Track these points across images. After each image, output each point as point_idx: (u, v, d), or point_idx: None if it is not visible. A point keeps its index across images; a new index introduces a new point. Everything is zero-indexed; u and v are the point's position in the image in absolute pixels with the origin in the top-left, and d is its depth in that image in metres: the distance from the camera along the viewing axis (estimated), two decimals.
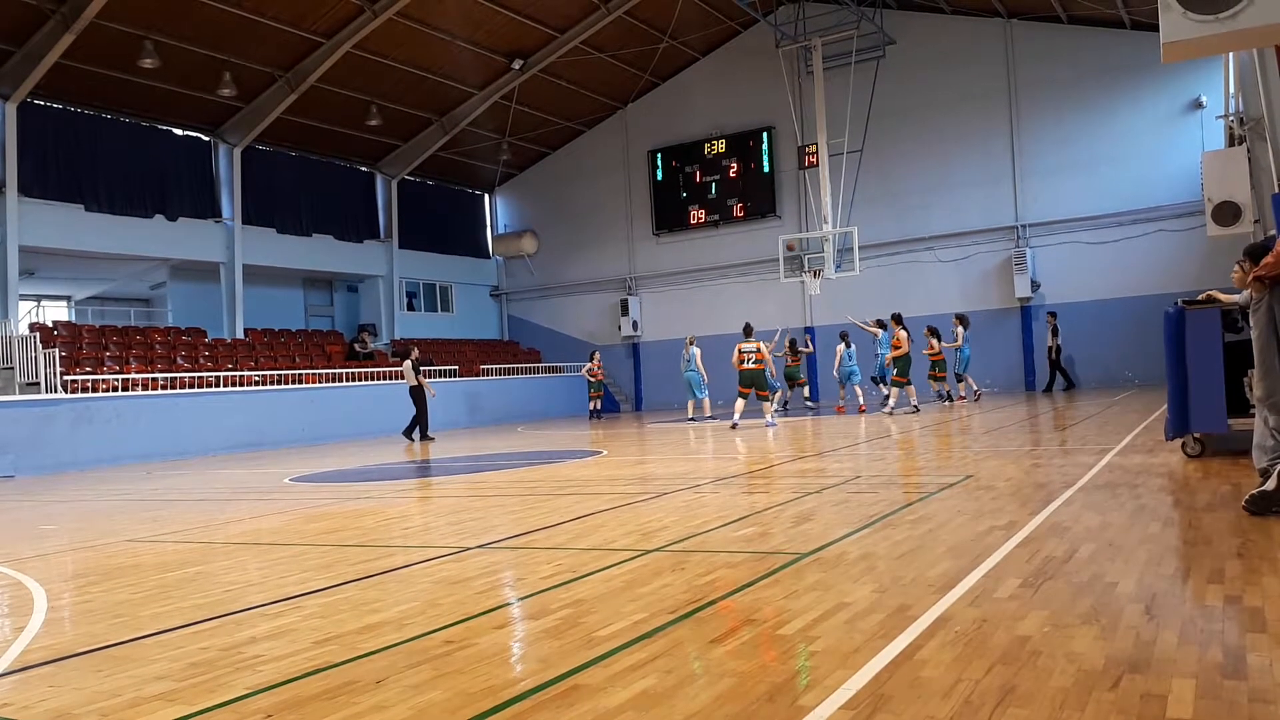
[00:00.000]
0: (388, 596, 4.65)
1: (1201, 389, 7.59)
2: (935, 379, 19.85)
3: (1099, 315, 23.41)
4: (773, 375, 17.04)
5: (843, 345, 20.21)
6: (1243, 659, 2.94)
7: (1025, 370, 24.69)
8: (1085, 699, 2.67)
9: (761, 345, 16.72)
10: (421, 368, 19.36)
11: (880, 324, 20.51)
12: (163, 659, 3.70)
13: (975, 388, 20.72)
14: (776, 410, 20.76)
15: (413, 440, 18.91)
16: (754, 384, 16.56)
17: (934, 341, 19.65)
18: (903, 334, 18.28)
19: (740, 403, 16.78)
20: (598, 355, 25.70)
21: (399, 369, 20.97)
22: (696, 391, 20.38)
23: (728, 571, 4.69)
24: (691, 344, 20.58)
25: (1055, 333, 23.14)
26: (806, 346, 23.63)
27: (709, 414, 20.27)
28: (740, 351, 16.69)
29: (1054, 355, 23.13)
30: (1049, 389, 23.16)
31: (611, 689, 3.00)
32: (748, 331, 16.95)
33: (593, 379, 25.22)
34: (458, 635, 3.79)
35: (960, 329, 20.49)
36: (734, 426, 16.49)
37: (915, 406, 18.12)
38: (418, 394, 18.93)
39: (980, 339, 24.82)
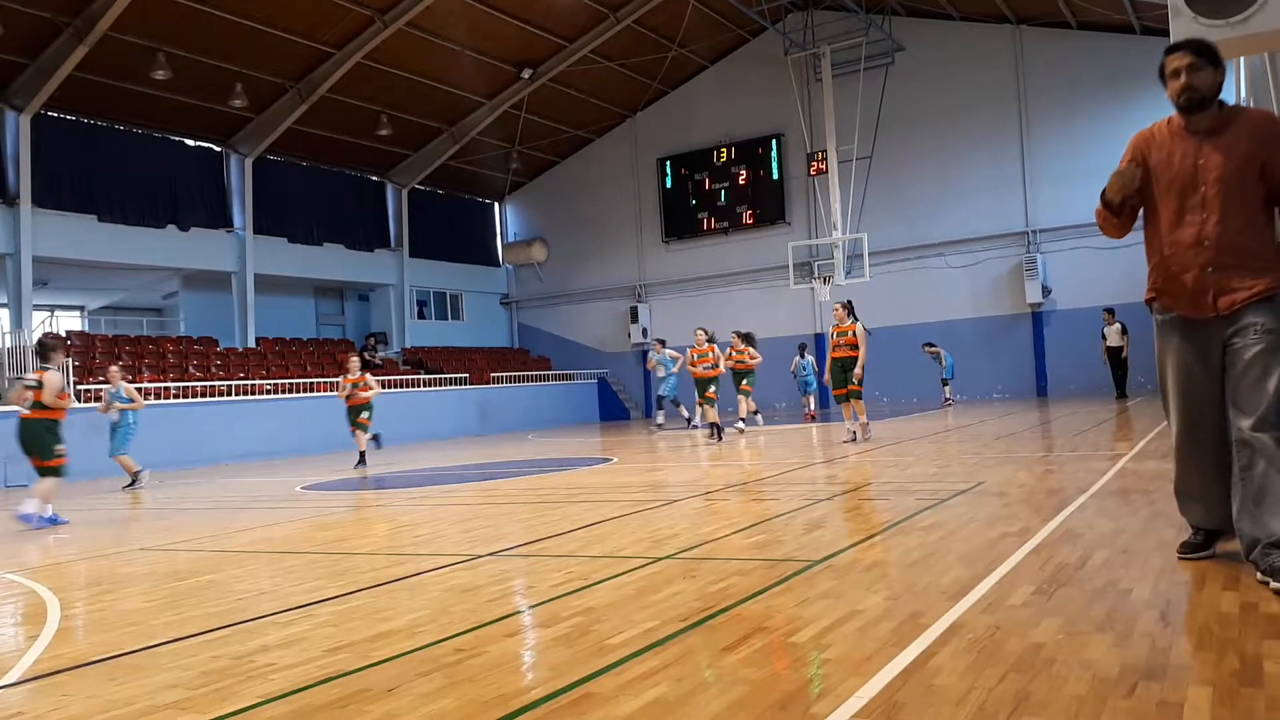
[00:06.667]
0: (399, 604, 4.65)
1: None
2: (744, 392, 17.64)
3: None
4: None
5: (799, 356, 21.34)
6: (1259, 666, 2.91)
7: (1037, 376, 24.62)
8: (1100, 707, 2.65)
9: (369, 377, 13.48)
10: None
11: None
12: (175, 667, 3.71)
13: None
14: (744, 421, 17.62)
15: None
16: (355, 422, 13.85)
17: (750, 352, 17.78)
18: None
19: (360, 434, 14.07)
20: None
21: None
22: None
23: (739, 579, 4.67)
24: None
25: (1124, 331, 20.97)
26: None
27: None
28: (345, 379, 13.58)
29: (1123, 355, 21.10)
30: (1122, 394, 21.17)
31: (623, 697, 3.00)
32: (364, 360, 13.04)
33: None
34: (469, 643, 3.79)
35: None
36: (358, 466, 13.77)
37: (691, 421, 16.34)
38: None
39: (992, 345, 24.81)
